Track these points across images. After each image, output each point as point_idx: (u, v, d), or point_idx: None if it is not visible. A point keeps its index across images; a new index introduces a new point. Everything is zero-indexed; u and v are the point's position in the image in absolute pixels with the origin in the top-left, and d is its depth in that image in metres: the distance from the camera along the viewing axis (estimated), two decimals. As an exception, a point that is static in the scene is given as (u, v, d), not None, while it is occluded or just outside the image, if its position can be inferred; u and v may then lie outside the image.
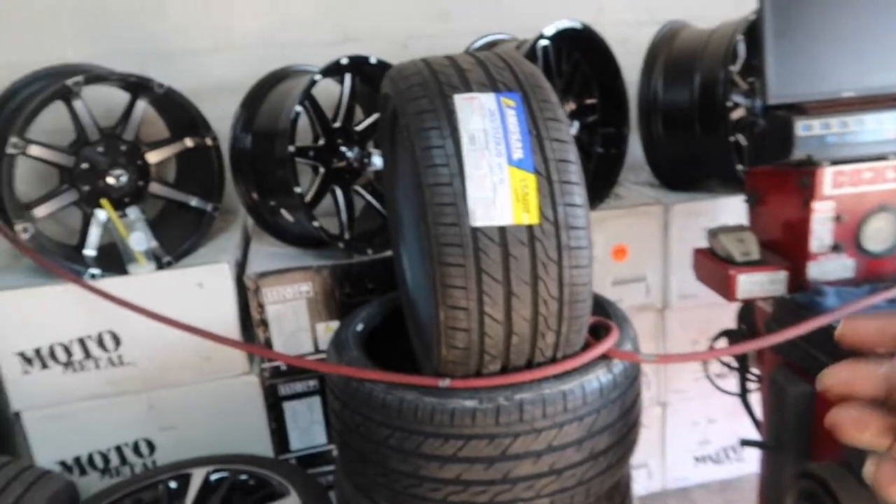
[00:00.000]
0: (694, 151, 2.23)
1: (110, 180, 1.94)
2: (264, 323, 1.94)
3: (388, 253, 1.95)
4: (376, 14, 2.46)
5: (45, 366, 1.88)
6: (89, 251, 1.92)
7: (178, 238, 2.02)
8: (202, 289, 1.91)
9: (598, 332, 1.39)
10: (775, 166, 1.66)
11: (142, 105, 1.97)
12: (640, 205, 2.20)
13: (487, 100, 1.19)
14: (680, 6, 2.52)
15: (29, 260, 1.91)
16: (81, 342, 1.88)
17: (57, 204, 1.90)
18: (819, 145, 1.54)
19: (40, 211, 1.88)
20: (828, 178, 1.53)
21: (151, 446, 2.01)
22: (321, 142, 1.99)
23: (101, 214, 1.91)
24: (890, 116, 1.57)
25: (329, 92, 2.01)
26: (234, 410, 2.01)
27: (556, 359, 1.28)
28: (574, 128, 2.18)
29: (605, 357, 1.33)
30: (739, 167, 2.05)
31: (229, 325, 1.93)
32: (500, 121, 1.17)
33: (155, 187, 2.02)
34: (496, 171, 1.14)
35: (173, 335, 1.76)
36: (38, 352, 1.87)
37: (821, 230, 1.57)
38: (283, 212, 2.05)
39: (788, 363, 1.60)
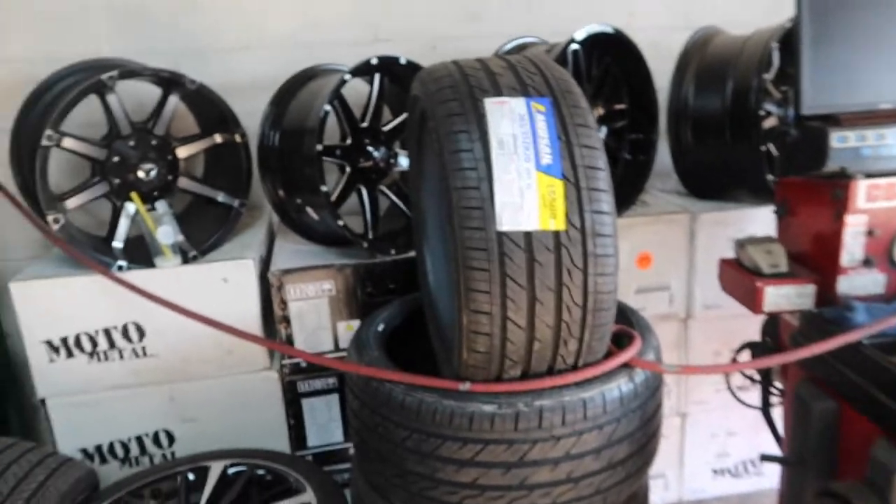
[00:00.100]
0: (723, 160, 2.20)
1: (140, 174, 1.97)
2: (286, 319, 1.95)
3: (411, 254, 1.95)
4: (406, 15, 2.46)
5: (70, 355, 1.91)
6: (117, 243, 1.95)
7: (205, 233, 2.04)
8: (226, 284, 1.93)
9: (620, 341, 1.38)
10: (807, 177, 1.63)
11: (173, 100, 1.99)
12: (666, 213, 2.18)
13: (518, 104, 1.18)
14: (716, 12, 2.49)
15: (58, 250, 1.94)
16: (107, 332, 1.91)
17: (88, 196, 1.93)
18: (854, 157, 1.51)
19: (72, 202, 1.91)
20: (862, 192, 1.50)
21: (171, 437, 2.03)
22: (348, 141, 2.00)
23: (131, 207, 1.94)
24: (928, 130, 1.53)
25: (357, 91, 2.02)
26: (254, 405, 2.02)
27: (577, 366, 1.27)
28: (602, 133, 2.16)
29: (626, 366, 1.32)
30: (769, 177, 2.02)
31: (252, 320, 1.95)
32: (530, 125, 1.16)
33: (183, 182, 2.05)
34: (524, 176, 1.13)
35: (196, 328, 1.77)
36: (64, 341, 1.90)
37: (852, 244, 1.54)
38: (309, 210, 2.06)
39: (814, 378, 1.57)
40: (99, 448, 2.00)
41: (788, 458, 1.72)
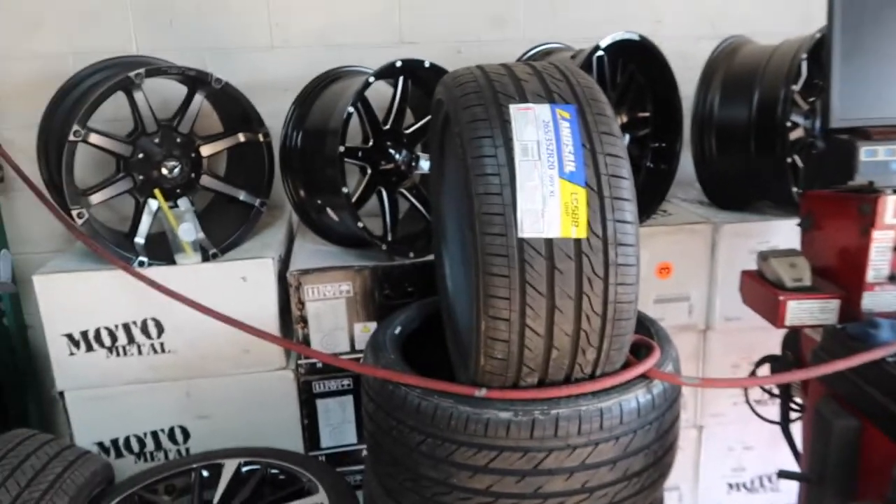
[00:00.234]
0: (747, 170, 2.17)
1: (164, 171, 1.98)
2: (304, 320, 1.96)
3: (430, 257, 1.95)
4: (431, 18, 2.47)
5: (90, 348, 1.93)
6: (139, 239, 1.97)
7: (225, 231, 2.05)
8: (245, 282, 1.94)
9: (639, 351, 1.36)
10: (833, 190, 1.61)
11: (199, 99, 2.01)
12: (688, 223, 2.16)
13: (542, 111, 1.17)
14: (745, 21, 2.47)
15: (81, 244, 1.97)
16: (126, 328, 1.93)
17: (112, 191, 1.95)
18: (883, 172, 1.49)
19: (96, 197, 1.93)
20: (890, 207, 1.47)
21: (186, 433, 2.04)
22: (370, 143, 2.00)
23: (153, 204, 1.96)
24: (959, 146, 1.51)
25: (380, 93, 2.02)
26: (269, 404, 2.03)
27: (595, 375, 1.26)
28: (625, 141, 2.15)
29: (644, 377, 1.30)
30: (794, 189, 2.00)
31: (269, 319, 1.96)
32: (554, 133, 1.15)
33: (206, 180, 2.06)
34: (547, 184, 1.13)
35: (214, 326, 1.78)
36: (84, 335, 1.92)
37: (879, 260, 1.51)
38: (329, 210, 2.07)
39: (835, 395, 1.54)
40: (115, 442, 2.02)
41: (807, 476, 1.69)
